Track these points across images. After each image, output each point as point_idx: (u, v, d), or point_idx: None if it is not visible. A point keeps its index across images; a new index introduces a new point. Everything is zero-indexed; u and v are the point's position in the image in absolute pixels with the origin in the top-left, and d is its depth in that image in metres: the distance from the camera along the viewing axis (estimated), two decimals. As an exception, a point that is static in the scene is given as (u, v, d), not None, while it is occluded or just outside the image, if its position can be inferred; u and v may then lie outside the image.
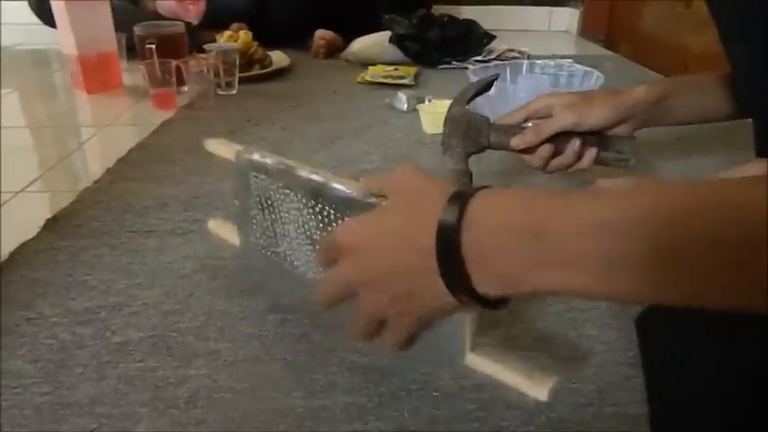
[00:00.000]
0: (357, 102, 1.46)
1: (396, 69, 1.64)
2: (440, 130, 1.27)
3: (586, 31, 2.32)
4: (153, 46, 1.43)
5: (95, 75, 1.52)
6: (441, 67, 1.76)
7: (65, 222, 0.87)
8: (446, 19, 1.79)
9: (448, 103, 1.30)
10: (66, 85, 1.60)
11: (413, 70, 1.65)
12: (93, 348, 0.63)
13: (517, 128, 0.82)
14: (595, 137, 0.80)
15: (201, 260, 0.78)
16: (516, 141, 0.80)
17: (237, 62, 1.51)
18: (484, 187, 0.39)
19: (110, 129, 1.30)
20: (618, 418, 0.55)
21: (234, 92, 1.52)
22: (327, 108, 1.40)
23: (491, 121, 0.84)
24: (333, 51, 1.86)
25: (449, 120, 0.84)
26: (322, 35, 1.85)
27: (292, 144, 1.18)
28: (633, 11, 2.13)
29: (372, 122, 1.30)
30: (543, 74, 1.35)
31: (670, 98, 0.78)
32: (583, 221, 0.32)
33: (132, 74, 1.62)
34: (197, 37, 1.66)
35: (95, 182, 1.00)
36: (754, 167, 0.70)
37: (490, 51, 1.84)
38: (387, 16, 1.77)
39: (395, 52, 1.76)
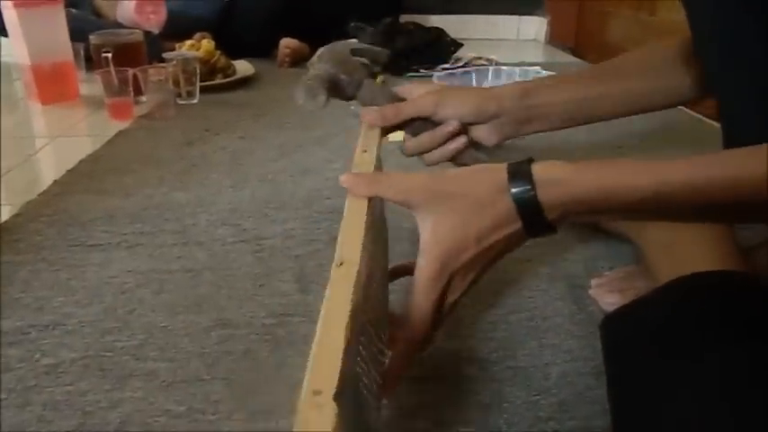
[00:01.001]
0: (321, 110, 1.42)
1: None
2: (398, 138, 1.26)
3: (555, 39, 2.32)
4: (109, 54, 1.38)
5: (50, 85, 1.47)
6: (408, 75, 1.73)
7: (4, 237, 0.82)
8: (413, 27, 1.77)
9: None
10: (22, 95, 1.54)
11: (379, 79, 1.62)
12: (20, 372, 0.58)
13: (391, 96, 0.73)
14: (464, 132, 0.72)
15: (146, 274, 0.74)
16: (372, 115, 0.68)
17: (198, 71, 1.47)
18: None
19: (62, 140, 1.25)
20: (579, 432, 0.52)
21: (195, 101, 1.48)
22: (291, 117, 1.36)
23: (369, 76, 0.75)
24: (299, 60, 1.83)
25: (327, 48, 0.75)
26: (287, 44, 1.82)
27: (252, 153, 1.14)
28: (600, 19, 2.13)
29: (336, 131, 1.27)
30: (509, 80, 1.33)
31: (539, 94, 0.71)
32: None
33: (91, 84, 1.57)
34: (158, 46, 1.62)
35: (40, 194, 0.95)
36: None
37: (458, 59, 1.82)
38: (353, 24, 1.74)
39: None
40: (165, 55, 1.46)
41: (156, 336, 0.63)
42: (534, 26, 2.42)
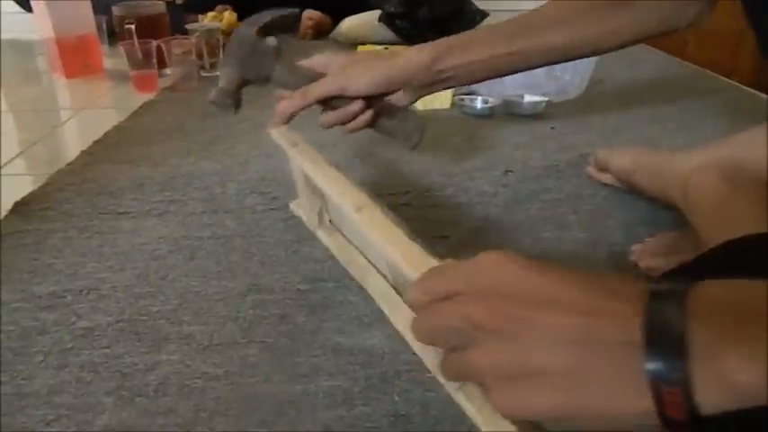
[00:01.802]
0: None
1: (386, 49, 1.59)
2: (433, 105, 1.23)
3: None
4: (132, 26, 1.37)
5: (74, 58, 1.47)
6: (433, 46, 1.70)
7: (33, 206, 0.82)
8: (437, -4, 1.73)
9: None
10: (45, 70, 1.54)
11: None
12: (56, 335, 0.58)
13: (303, 75, 0.76)
14: (378, 101, 0.74)
15: (178, 241, 0.73)
16: (282, 107, 0.74)
17: (221, 42, 1.45)
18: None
19: (87, 112, 1.25)
20: None
21: (218, 73, 1.46)
22: (315, 88, 1.34)
23: (281, 56, 0.76)
24: (321, 32, 1.80)
25: (233, 39, 0.76)
26: (309, 15, 1.79)
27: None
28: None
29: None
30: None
31: (449, 58, 0.71)
32: None
33: (114, 59, 1.56)
34: (180, 19, 1.60)
35: (68, 164, 0.95)
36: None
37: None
38: (375, -6, 1.71)
39: (385, 32, 1.70)
40: (187, 26, 1.44)
41: (189, 300, 0.62)
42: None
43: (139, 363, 0.54)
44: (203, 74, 1.44)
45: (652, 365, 0.28)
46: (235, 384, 0.52)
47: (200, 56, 1.43)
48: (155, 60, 1.35)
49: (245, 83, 0.76)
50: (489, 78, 0.76)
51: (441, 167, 0.92)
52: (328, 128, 0.77)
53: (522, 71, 0.76)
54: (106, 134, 1.08)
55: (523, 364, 0.32)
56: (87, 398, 0.50)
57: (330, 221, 0.73)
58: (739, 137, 0.68)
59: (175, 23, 1.54)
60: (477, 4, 1.81)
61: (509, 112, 1.14)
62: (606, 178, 0.86)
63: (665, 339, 0.28)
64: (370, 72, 0.72)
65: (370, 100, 0.73)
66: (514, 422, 0.41)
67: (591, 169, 0.89)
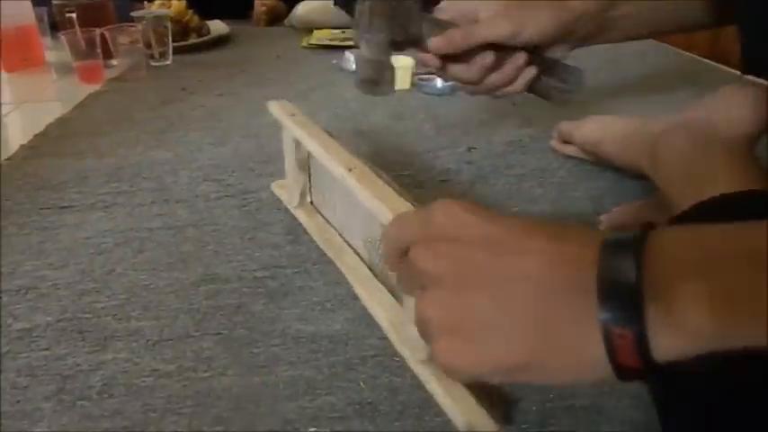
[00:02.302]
0: (303, 65, 1.36)
1: (343, 32, 1.55)
2: (398, 86, 1.20)
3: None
4: (73, 14, 1.30)
5: (14, 52, 1.39)
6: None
7: (-32, 203, 0.76)
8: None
9: (407, 59, 1.23)
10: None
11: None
12: (-9, 338, 0.53)
13: (450, 25, 0.64)
14: (536, 56, 0.65)
15: (125, 233, 0.69)
16: (437, 42, 0.62)
17: (170, 30, 1.39)
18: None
19: (29, 106, 1.18)
20: None
21: (168, 62, 1.40)
22: (271, 73, 1.30)
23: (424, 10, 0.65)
24: (275, 18, 1.75)
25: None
26: (263, 2, 1.74)
27: (233, 110, 1.08)
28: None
29: (320, 84, 1.21)
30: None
31: (616, 8, 0.66)
32: None
33: (57, 51, 1.49)
34: (125, 8, 1.53)
35: (7, 159, 0.89)
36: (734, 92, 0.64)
37: (441, 10, 1.75)
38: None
39: (342, 15, 1.65)
40: (133, 13, 1.38)
41: (138, 295, 0.58)
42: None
43: (82, 363, 0.50)
44: (153, 63, 1.38)
45: (604, 313, 0.26)
46: (188, 380, 0.48)
47: (148, 45, 1.37)
48: (99, 50, 1.28)
49: (392, 47, 0.64)
50: (644, 38, 0.70)
51: (403, 147, 0.89)
52: (489, 92, 0.66)
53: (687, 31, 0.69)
54: (48, 127, 1.01)
55: (466, 312, 0.30)
56: (24, 404, 0.46)
57: (311, 202, 0.70)
58: (704, 101, 0.66)
59: (120, 12, 1.47)
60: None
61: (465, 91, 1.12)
62: (571, 151, 0.84)
63: (619, 285, 0.26)
64: (543, 16, 0.62)
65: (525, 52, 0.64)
66: (470, 388, 0.39)
67: (554, 143, 0.87)
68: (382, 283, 0.55)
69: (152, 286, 0.59)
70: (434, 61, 0.65)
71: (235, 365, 0.49)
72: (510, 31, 0.61)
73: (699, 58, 1.33)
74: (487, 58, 0.63)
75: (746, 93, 0.60)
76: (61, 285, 0.60)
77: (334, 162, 0.54)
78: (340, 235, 0.64)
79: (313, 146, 0.59)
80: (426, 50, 0.65)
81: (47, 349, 0.51)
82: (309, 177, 0.70)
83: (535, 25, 0.62)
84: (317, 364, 0.49)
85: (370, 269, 0.58)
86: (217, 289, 0.59)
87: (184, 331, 0.53)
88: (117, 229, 0.70)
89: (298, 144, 0.67)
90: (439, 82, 1.13)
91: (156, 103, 1.13)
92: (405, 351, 0.48)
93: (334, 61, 1.32)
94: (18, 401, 0.46)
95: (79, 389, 0.47)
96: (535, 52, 0.65)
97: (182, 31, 1.51)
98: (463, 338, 0.30)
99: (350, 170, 0.52)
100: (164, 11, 1.44)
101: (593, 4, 0.63)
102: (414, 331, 0.44)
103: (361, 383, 0.47)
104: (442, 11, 0.65)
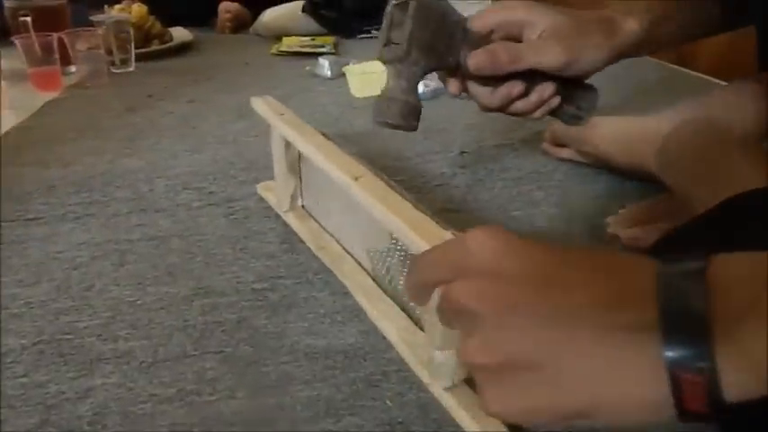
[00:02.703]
0: (274, 72, 1.32)
1: (313, 39, 1.51)
2: (371, 93, 1.16)
3: None
4: (28, 18, 1.22)
5: (-41, 58, 1.29)
6: (359, 36, 1.63)
7: None
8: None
9: (378, 65, 1.19)
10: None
11: (330, 40, 1.52)
12: (-44, 366, 0.47)
13: (484, 40, 0.54)
14: (559, 83, 0.57)
15: (102, 246, 0.63)
16: (480, 60, 0.51)
17: (132, 36, 1.33)
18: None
19: (-20, 115, 1.10)
20: None
21: (131, 69, 1.34)
22: (242, 80, 1.25)
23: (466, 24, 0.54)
24: (240, 26, 1.70)
25: (415, 12, 0.49)
26: (227, 8, 1.69)
27: (206, 117, 1.02)
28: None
29: (294, 91, 1.16)
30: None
31: (662, 26, 0.58)
32: None
33: (8, 59, 1.40)
34: (82, 14, 1.45)
35: (-40, 169, 0.81)
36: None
37: (479, 18, 1.73)
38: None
39: (309, 23, 1.62)
40: (93, 18, 1.30)
41: (124, 312, 0.53)
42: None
43: (67, 391, 0.44)
44: (113, 70, 1.31)
45: (671, 352, 0.24)
46: (191, 405, 0.43)
47: (108, 51, 1.30)
48: (57, 56, 1.21)
49: (423, 77, 0.53)
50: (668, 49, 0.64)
51: (391, 152, 0.85)
52: (490, 111, 0.59)
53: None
54: (5, 135, 0.94)
55: (517, 357, 0.27)
56: (2, 440, 0.40)
57: (303, 206, 0.66)
58: (707, 99, 0.65)
59: (77, 17, 1.39)
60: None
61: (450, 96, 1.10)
62: (564, 153, 0.82)
63: (685, 322, 0.24)
64: (599, 47, 0.55)
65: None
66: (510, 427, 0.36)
67: (546, 145, 0.85)
68: (390, 296, 0.51)
69: (139, 302, 0.54)
70: (457, 88, 0.57)
71: (243, 386, 0.44)
72: (563, 62, 0.53)
73: (667, 64, 1.34)
74: (516, 88, 0.55)
75: (756, 88, 0.59)
76: (35, 304, 0.54)
77: (337, 169, 0.50)
78: (337, 242, 0.60)
79: (310, 150, 0.55)
80: (454, 74, 0.57)
81: (24, 376, 0.45)
82: (300, 179, 0.66)
83: (591, 55, 0.54)
84: (334, 381, 0.45)
85: (374, 280, 0.54)
86: (212, 303, 0.53)
87: (181, 350, 0.48)
88: (92, 241, 0.64)
89: (288, 145, 0.63)
90: (421, 86, 1.10)
91: (122, 111, 1.06)
92: (423, 374, 0.44)
93: (307, 68, 1.28)
94: (-5, 437, 0.40)
95: (66, 420, 0.41)
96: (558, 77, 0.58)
97: (143, 37, 1.44)
98: (516, 385, 0.27)
99: (356, 179, 0.48)
100: (126, 15, 1.37)
101: (643, 27, 0.57)
102: (439, 357, 0.40)
103: (388, 401, 0.43)
104: (481, 19, 0.56)
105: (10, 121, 1.02)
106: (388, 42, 0.51)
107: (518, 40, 0.55)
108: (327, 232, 0.62)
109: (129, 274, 0.58)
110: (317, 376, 0.45)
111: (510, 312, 0.27)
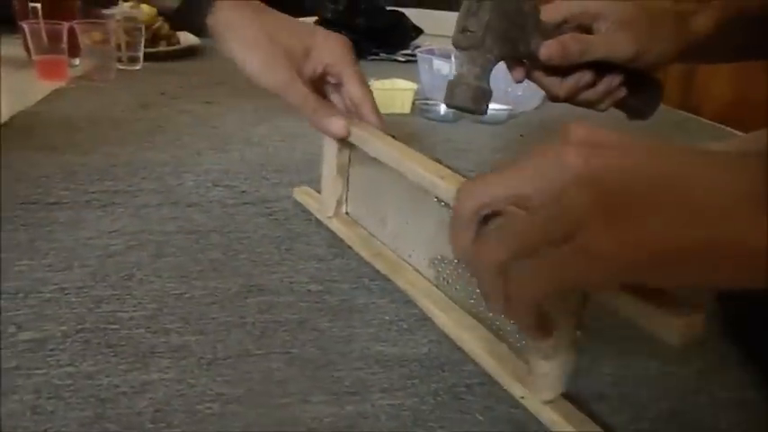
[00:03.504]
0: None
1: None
2: (393, 109, 1.15)
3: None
4: (38, 5, 1.18)
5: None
6: (369, 58, 1.63)
7: (-73, 192, 0.63)
8: (372, 8, 1.67)
9: (402, 82, 1.18)
10: None
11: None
12: (-10, 350, 0.41)
13: (552, 30, 0.55)
14: (626, 76, 0.58)
15: (136, 235, 0.58)
16: (553, 50, 0.52)
17: (143, 33, 1.29)
18: None
19: (-20, 97, 1.04)
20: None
21: (137, 67, 1.29)
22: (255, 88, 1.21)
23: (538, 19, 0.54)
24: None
25: (493, 2, 0.51)
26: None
27: (225, 118, 0.99)
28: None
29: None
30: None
31: (728, 32, 0.57)
32: None
33: (10, 47, 1.33)
34: (83, 14, 1.41)
35: (-33, 147, 0.76)
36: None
37: (416, 47, 1.74)
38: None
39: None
40: (105, 11, 1.26)
41: (171, 305, 0.48)
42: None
43: (121, 384, 0.39)
44: (120, 66, 1.26)
45: None
46: (264, 407, 0.39)
47: (117, 47, 1.26)
48: (65, 45, 1.16)
49: (496, 64, 0.54)
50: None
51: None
52: (582, 105, 0.59)
53: None
54: (13, 119, 0.89)
55: (624, 187, 0.29)
56: (54, 435, 0.35)
57: (347, 213, 0.62)
58: (725, 145, 0.65)
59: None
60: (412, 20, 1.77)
61: (473, 119, 1.09)
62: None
63: None
64: (668, 36, 0.55)
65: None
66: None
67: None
68: (461, 306, 0.49)
69: (186, 296, 0.50)
70: (522, 75, 0.58)
71: (317, 391, 0.40)
72: (633, 53, 0.54)
73: (674, 109, 1.37)
74: (585, 78, 0.56)
75: None
76: (69, 290, 0.49)
77: (420, 168, 0.48)
78: (393, 250, 0.57)
79: (382, 149, 0.53)
80: (521, 63, 0.57)
81: (70, 365, 0.41)
82: (347, 186, 0.63)
83: (660, 47, 0.55)
84: (415, 391, 0.41)
85: (438, 287, 0.51)
86: (269, 301, 0.50)
87: (242, 348, 0.44)
88: (124, 230, 0.59)
89: (341, 148, 0.60)
90: (442, 108, 1.09)
91: (135, 106, 1.02)
92: (515, 387, 0.41)
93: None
94: (45, 431, 0.35)
95: (125, 415, 0.37)
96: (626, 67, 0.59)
97: (151, 38, 1.40)
98: (620, 216, 0.28)
99: (442, 178, 0.46)
100: (138, 11, 1.33)
101: (710, 27, 0.57)
102: (543, 367, 0.38)
103: (478, 415, 0.39)
104: (553, 9, 0.56)
105: (14, 106, 0.96)
106: (463, 30, 0.52)
107: (588, 30, 0.56)
108: (378, 240, 0.59)
109: (170, 266, 0.54)
110: (394, 385, 0.42)
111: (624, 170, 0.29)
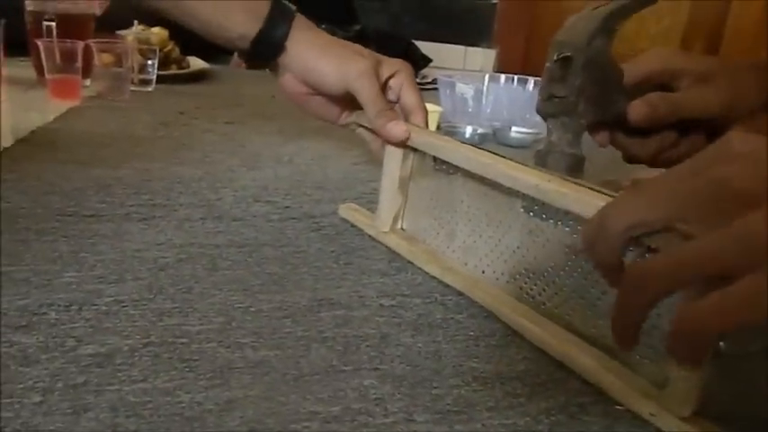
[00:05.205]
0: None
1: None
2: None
3: (503, 69, 2.33)
4: (53, 24, 1.15)
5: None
6: (379, 85, 1.62)
7: (-46, 202, 0.59)
8: (383, 35, 1.67)
9: (428, 105, 1.16)
10: None
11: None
12: (51, 365, 0.37)
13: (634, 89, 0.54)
14: (707, 134, 0.56)
15: (185, 249, 0.55)
16: (641, 110, 0.51)
17: (158, 55, 1.26)
18: None
19: (-6, 113, 1.00)
20: None
21: (150, 89, 1.26)
22: (273, 109, 1.19)
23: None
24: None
25: (585, 67, 0.49)
26: (245, 44, 1.65)
27: (250, 137, 0.96)
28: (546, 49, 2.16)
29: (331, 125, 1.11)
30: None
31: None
32: None
33: (15, 68, 1.30)
34: (97, 34, 1.38)
35: (-8, 159, 0.72)
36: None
37: (424, 77, 1.74)
38: (322, 26, 1.61)
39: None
40: (120, 32, 1.24)
41: (239, 319, 0.44)
42: (479, 57, 2.42)
43: (204, 401, 0.35)
44: (132, 88, 1.23)
45: None
46: (366, 426, 0.35)
47: (131, 68, 1.23)
48: (79, 64, 1.13)
49: (586, 129, 0.53)
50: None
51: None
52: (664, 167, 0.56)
53: None
54: (33, 134, 0.85)
55: None
56: (140, 457, 0.31)
57: (403, 228, 0.59)
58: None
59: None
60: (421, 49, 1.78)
61: (498, 142, 1.08)
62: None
63: None
64: (754, 86, 0.54)
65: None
66: None
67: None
68: (557, 321, 0.45)
69: (252, 309, 0.46)
70: (607, 139, 0.56)
71: (419, 409, 0.37)
72: (720, 107, 0.52)
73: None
74: (670, 137, 0.55)
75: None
76: (127, 303, 0.45)
77: (520, 172, 0.45)
78: (464, 265, 0.54)
79: (467, 155, 0.50)
80: (603, 126, 0.56)
81: (143, 380, 0.36)
82: (405, 200, 0.60)
83: (746, 100, 0.53)
84: (524, 410, 0.38)
85: (522, 303, 0.48)
86: (343, 316, 0.46)
87: (327, 364, 0.40)
88: (171, 243, 0.55)
89: (405, 158, 0.58)
90: (468, 130, 1.08)
91: (155, 124, 0.98)
92: (641, 404, 0.38)
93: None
94: (129, 453, 0.31)
95: (216, 435, 0.33)
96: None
97: (162, 60, 1.38)
98: None
99: (547, 181, 0.43)
100: (152, 33, 1.31)
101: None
102: (679, 381, 0.35)
103: (605, 436, 0.36)
104: (635, 68, 0.54)
105: (33, 122, 0.92)
106: (550, 97, 0.52)
107: (667, 88, 0.55)
108: (444, 254, 0.56)
109: (228, 279, 0.50)
110: (500, 403, 0.38)
111: None
